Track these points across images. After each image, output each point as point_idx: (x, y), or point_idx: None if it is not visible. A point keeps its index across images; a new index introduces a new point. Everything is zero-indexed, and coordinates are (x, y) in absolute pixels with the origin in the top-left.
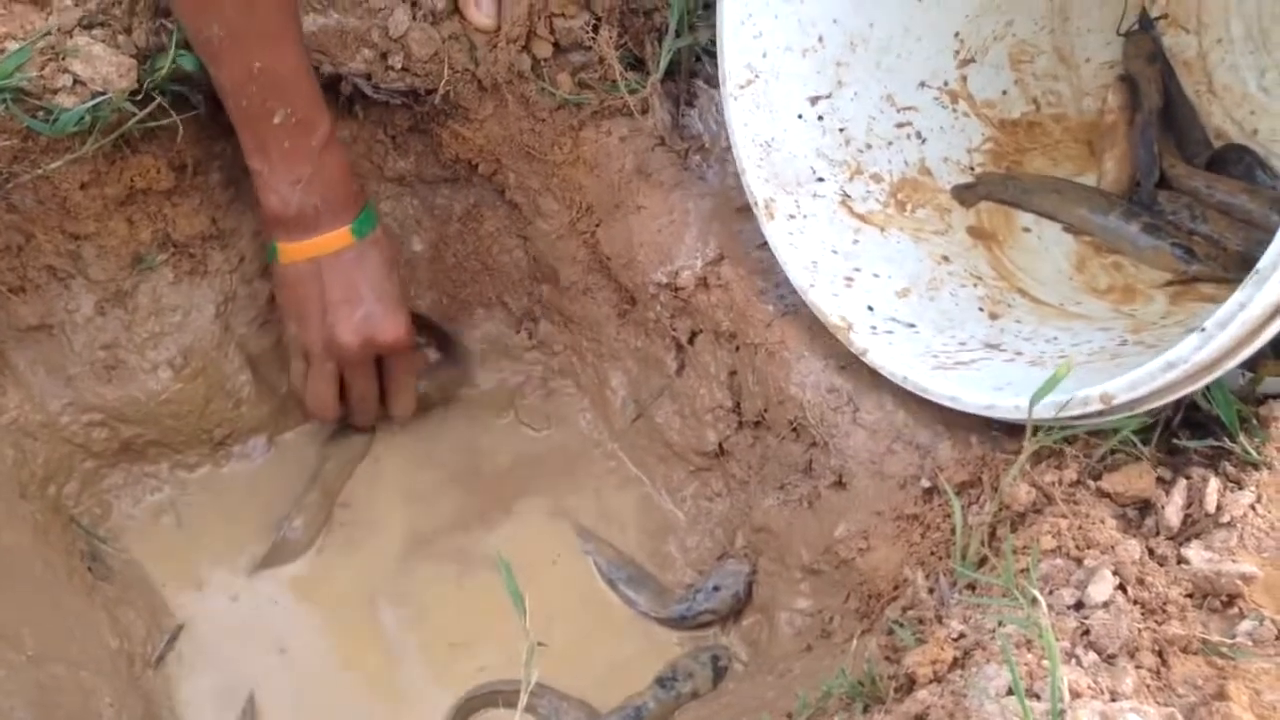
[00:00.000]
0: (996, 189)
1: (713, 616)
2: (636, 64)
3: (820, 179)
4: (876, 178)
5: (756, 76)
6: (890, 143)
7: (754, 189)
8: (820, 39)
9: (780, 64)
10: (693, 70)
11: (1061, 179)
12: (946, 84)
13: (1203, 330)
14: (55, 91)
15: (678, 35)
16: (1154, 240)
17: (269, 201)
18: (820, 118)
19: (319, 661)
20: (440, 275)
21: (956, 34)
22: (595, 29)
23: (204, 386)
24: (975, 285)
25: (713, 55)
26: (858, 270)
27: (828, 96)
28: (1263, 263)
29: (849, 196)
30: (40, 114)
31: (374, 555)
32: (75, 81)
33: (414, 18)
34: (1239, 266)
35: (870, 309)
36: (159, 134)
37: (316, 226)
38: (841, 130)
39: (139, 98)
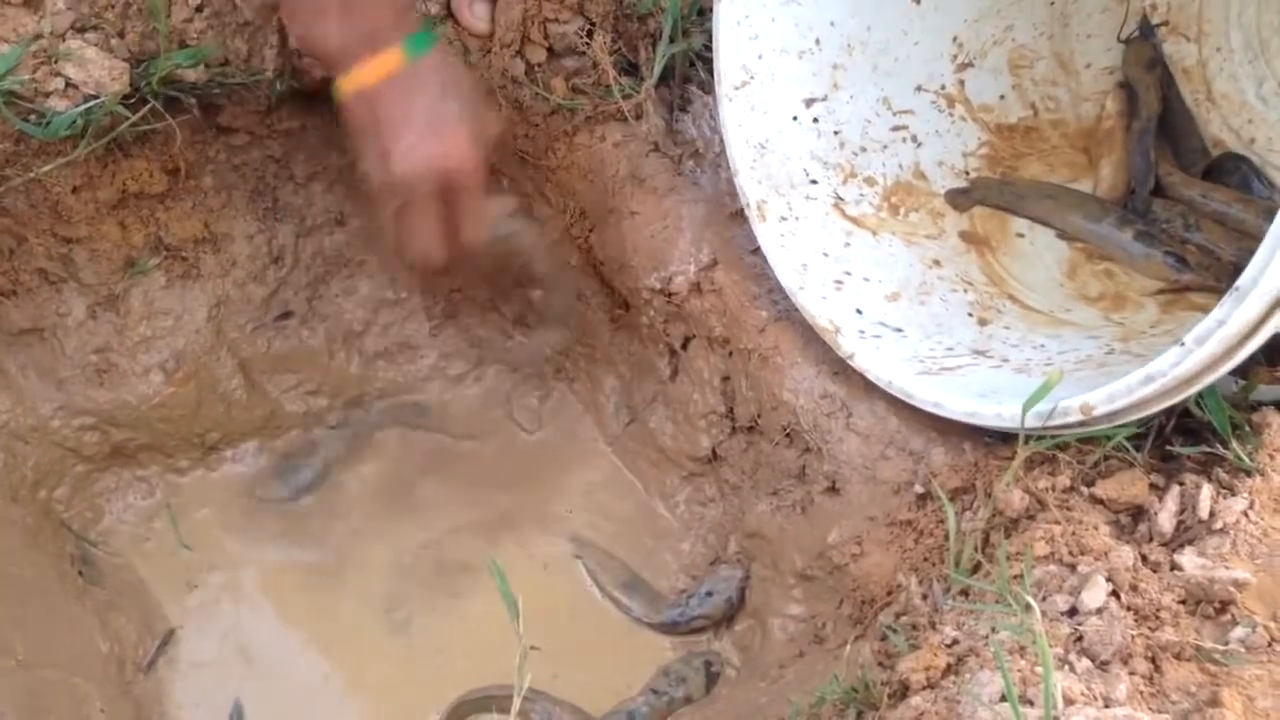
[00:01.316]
0: (991, 194)
1: (705, 622)
2: (630, 69)
3: (814, 181)
4: (870, 181)
5: (752, 78)
6: (885, 146)
7: (747, 190)
8: (817, 41)
9: (776, 66)
10: (687, 76)
11: (1056, 185)
12: (943, 88)
13: (1181, 345)
14: (48, 94)
15: (672, 41)
16: (1146, 248)
17: (307, 40)
18: (815, 120)
19: (309, 667)
20: (433, 278)
21: (955, 38)
22: (589, 34)
23: (196, 390)
24: (966, 291)
25: (706, 61)
26: (848, 274)
27: (823, 99)
28: (1242, 280)
29: (842, 199)
30: (32, 117)
31: (365, 560)
32: (68, 85)
33: None
34: (1231, 277)
35: (859, 312)
36: (151, 138)
37: (369, 51)
38: (836, 133)
39: (132, 101)
